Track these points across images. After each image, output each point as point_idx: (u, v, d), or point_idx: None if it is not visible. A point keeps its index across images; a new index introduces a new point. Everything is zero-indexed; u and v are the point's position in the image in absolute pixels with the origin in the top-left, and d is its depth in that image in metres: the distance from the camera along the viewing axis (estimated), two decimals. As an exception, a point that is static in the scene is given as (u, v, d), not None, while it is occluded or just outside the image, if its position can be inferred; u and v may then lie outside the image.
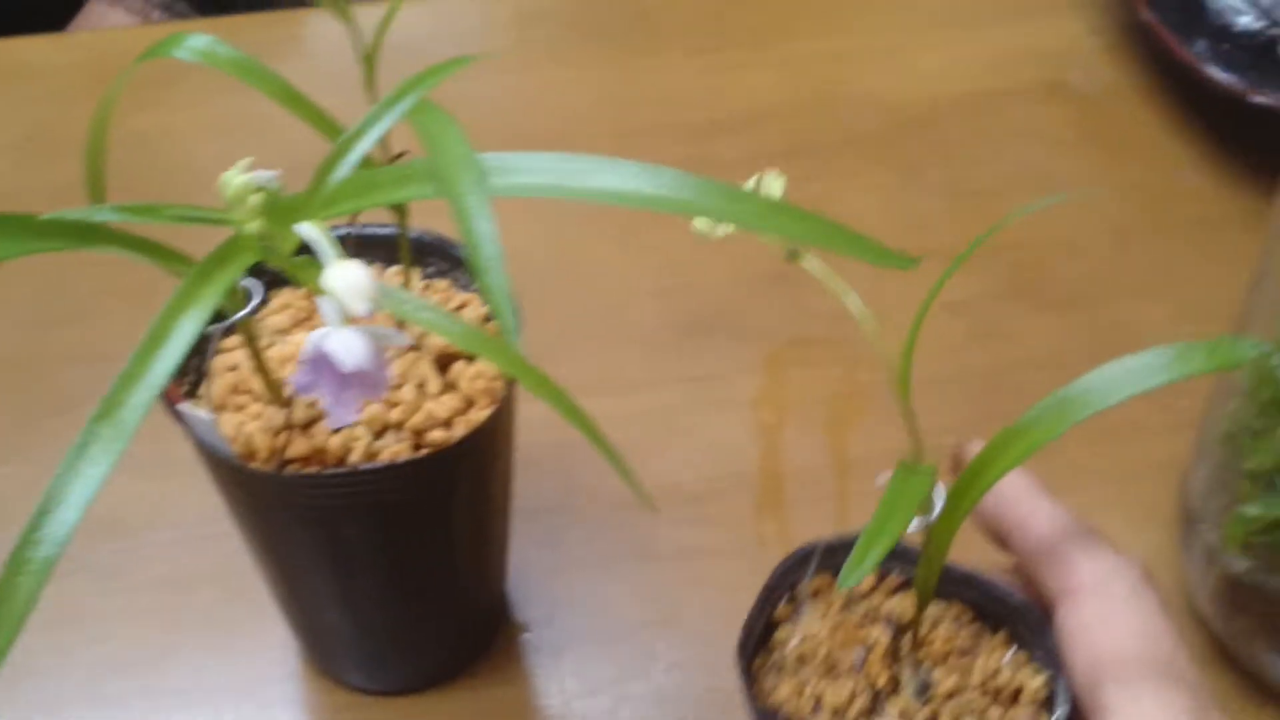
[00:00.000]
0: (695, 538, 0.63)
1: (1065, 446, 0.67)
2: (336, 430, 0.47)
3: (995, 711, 0.45)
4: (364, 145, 0.32)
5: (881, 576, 0.49)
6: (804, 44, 0.89)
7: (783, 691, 0.46)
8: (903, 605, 0.47)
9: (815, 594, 0.48)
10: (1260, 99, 0.76)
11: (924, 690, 0.45)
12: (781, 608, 0.47)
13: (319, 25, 0.92)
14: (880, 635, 0.46)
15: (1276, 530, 0.54)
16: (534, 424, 0.68)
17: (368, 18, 0.44)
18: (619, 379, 0.70)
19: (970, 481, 0.41)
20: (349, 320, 0.31)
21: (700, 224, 0.37)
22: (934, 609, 0.47)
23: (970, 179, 0.81)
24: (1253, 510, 0.54)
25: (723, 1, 0.92)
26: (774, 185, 0.36)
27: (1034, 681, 0.45)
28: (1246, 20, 0.84)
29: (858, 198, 0.79)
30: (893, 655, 0.46)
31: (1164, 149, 0.83)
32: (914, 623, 0.45)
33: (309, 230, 0.30)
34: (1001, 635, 0.47)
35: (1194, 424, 0.63)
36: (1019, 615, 0.46)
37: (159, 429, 0.47)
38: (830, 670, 0.46)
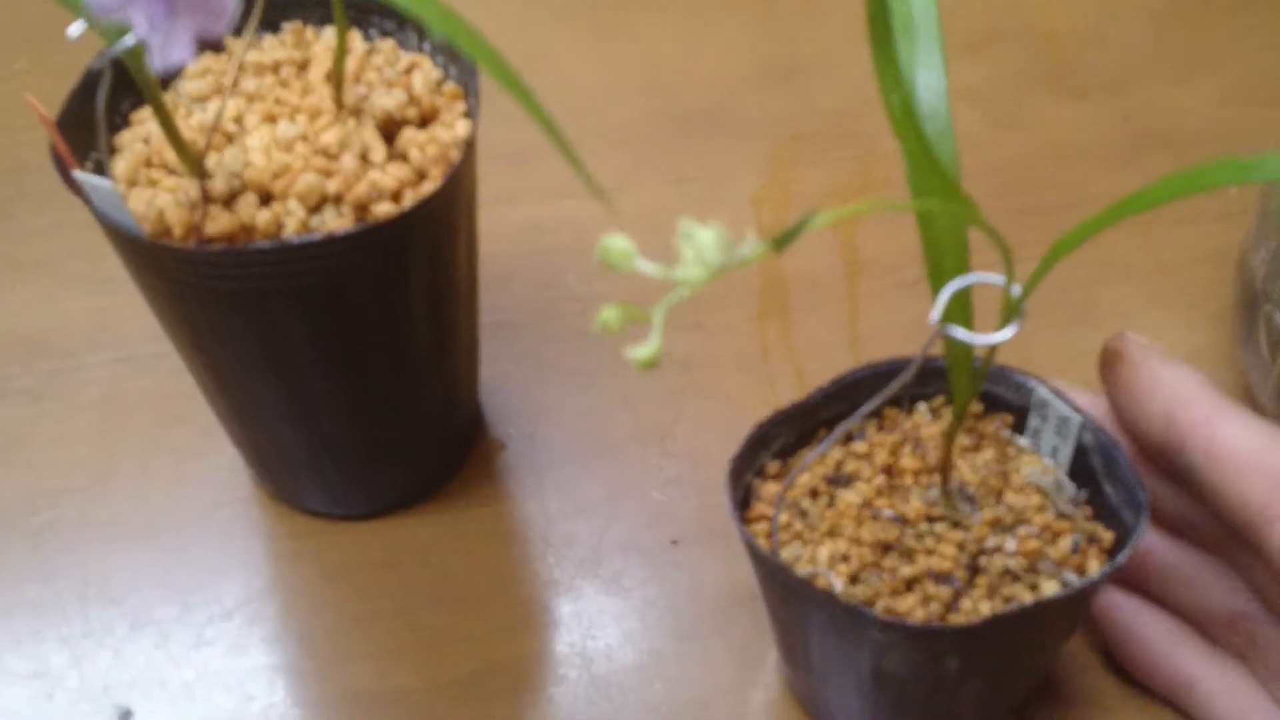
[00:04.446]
0: (692, 346, 0.56)
1: (1104, 236, 0.61)
2: (266, 204, 0.40)
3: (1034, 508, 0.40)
4: None
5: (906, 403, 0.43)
6: None
7: (791, 529, 0.40)
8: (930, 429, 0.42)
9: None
10: None
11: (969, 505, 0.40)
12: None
13: None
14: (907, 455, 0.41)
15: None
16: (510, 231, 0.62)
17: None
18: (603, 182, 0.63)
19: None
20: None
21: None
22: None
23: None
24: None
25: None
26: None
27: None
28: None
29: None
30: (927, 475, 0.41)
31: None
32: (951, 434, 0.38)
33: None
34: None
35: (1245, 210, 0.57)
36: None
37: (97, 242, 0.41)
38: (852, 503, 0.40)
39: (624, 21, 0.71)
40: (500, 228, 0.61)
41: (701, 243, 0.29)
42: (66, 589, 0.48)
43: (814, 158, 0.65)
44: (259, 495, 0.51)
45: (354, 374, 0.44)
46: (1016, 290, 0.34)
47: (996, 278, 0.34)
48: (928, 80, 0.35)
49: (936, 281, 0.36)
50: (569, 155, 0.26)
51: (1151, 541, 0.42)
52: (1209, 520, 0.41)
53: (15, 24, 0.73)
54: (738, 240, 0.28)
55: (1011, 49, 0.70)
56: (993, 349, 0.35)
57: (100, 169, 0.42)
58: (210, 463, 0.52)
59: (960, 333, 0.34)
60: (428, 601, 0.48)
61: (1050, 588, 0.38)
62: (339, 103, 0.43)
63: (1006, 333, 0.34)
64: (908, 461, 0.41)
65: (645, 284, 0.32)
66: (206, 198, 0.40)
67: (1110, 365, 0.41)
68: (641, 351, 0.31)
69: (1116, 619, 0.44)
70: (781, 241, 0.30)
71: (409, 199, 0.41)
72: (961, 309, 0.35)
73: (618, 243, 0.32)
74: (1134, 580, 0.43)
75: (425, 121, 0.44)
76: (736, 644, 0.46)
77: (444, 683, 0.45)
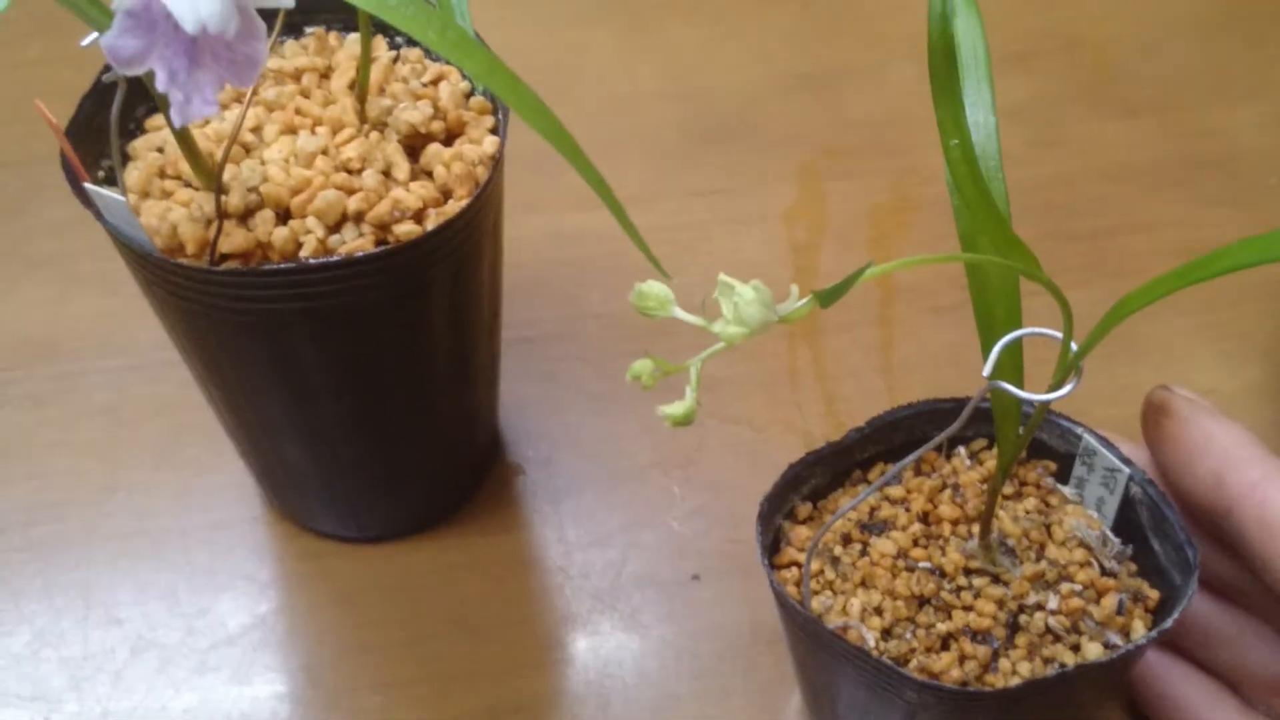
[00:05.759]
0: (718, 369, 0.54)
1: (1147, 265, 0.59)
2: (284, 221, 0.39)
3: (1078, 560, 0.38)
4: None
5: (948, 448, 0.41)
6: None
7: (824, 575, 0.38)
8: (969, 477, 0.40)
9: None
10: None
11: (1010, 558, 0.38)
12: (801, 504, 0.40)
13: None
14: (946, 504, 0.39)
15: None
16: (532, 241, 0.60)
17: None
18: (625, 192, 0.61)
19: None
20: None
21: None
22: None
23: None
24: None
25: None
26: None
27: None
28: None
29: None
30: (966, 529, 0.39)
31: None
32: (995, 487, 0.36)
33: None
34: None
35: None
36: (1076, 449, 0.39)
37: (106, 242, 0.39)
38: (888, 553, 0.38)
39: (652, 26, 0.69)
40: (522, 238, 0.59)
41: (741, 299, 0.28)
42: (66, 608, 0.46)
43: (848, 171, 0.63)
44: (267, 514, 0.49)
45: (369, 398, 0.43)
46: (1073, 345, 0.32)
47: (1053, 332, 0.32)
48: (976, 118, 0.33)
49: (985, 331, 0.34)
50: (626, 224, 0.24)
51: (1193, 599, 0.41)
52: (1252, 581, 0.39)
53: (29, 8, 0.71)
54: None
55: (1056, 60, 0.68)
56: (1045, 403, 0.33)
57: (112, 178, 0.41)
58: (218, 478, 0.50)
59: (1012, 390, 0.32)
60: (439, 632, 0.46)
61: (1093, 650, 0.36)
62: (362, 116, 0.41)
63: (1063, 391, 0.32)
64: (946, 509, 0.39)
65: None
66: (222, 213, 0.38)
67: (1155, 420, 0.39)
68: (675, 409, 0.29)
69: (1151, 676, 0.42)
70: (828, 297, 0.28)
71: (432, 219, 0.39)
72: (1012, 361, 0.34)
73: (654, 289, 0.30)
74: (1171, 637, 0.42)
75: (451, 137, 0.42)
76: (758, 687, 0.45)
77: (454, 719, 0.44)
